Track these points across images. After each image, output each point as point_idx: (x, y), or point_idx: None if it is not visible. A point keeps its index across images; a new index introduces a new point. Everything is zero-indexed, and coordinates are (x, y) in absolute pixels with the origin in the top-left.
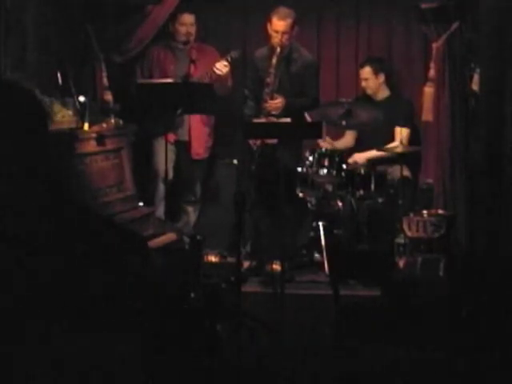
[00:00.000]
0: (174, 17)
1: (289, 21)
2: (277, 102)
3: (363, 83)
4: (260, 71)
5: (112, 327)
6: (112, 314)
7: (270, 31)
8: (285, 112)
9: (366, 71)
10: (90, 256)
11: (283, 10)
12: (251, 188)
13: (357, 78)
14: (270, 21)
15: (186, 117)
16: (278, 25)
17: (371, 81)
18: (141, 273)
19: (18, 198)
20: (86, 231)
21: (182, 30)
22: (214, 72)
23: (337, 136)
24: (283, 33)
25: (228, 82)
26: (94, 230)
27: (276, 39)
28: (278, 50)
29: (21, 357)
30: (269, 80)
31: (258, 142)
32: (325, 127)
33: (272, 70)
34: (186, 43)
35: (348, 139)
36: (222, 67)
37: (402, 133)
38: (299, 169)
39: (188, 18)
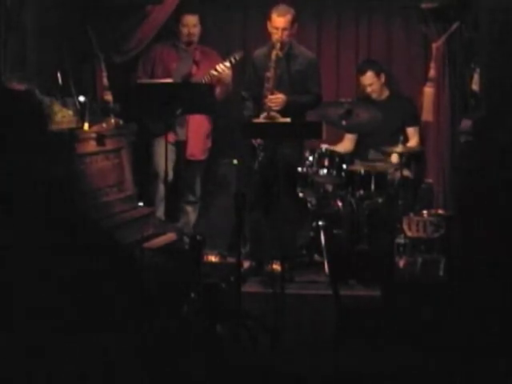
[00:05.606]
0: (177, 18)
1: (288, 17)
2: (277, 97)
3: (368, 89)
4: (259, 70)
5: (111, 328)
6: (110, 315)
7: (270, 28)
8: (287, 110)
9: (369, 76)
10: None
11: (282, 7)
12: (252, 187)
13: (357, 78)
14: (269, 18)
15: (186, 117)
16: (278, 21)
17: (375, 84)
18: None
19: (19, 198)
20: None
21: (184, 30)
22: (214, 74)
23: (336, 139)
24: (283, 29)
25: (229, 86)
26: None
27: (276, 35)
28: (278, 45)
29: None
30: (269, 74)
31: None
32: (325, 127)
33: (272, 64)
34: (189, 44)
35: (347, 144)
36: (222, 68)
37: (415, 132)
38: (299, 169)
39: (190, 19)
